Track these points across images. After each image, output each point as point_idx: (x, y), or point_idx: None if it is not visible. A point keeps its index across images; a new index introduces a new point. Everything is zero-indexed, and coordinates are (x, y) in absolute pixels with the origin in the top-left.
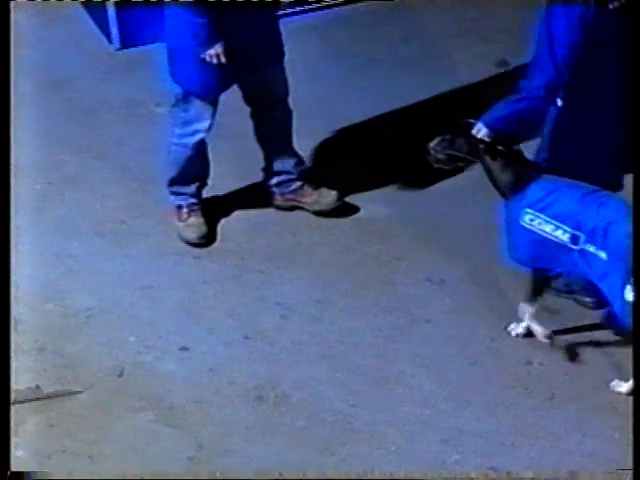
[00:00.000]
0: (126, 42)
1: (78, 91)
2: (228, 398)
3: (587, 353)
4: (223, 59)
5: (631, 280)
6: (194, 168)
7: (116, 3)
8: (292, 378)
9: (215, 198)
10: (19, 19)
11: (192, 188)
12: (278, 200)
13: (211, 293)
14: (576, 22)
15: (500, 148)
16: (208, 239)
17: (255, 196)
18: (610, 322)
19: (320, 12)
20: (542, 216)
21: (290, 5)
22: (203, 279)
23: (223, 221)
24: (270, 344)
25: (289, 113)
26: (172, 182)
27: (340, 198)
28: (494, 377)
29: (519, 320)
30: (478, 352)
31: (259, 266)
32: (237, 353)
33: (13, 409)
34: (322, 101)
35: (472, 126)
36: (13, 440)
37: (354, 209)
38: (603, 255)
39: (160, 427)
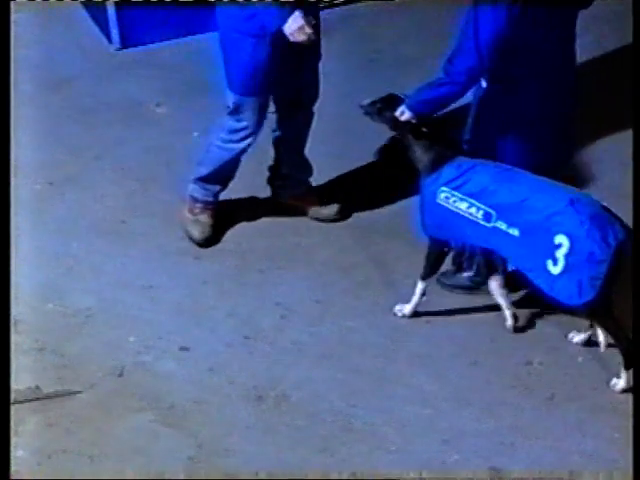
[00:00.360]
0: (126, 42)
1: (78, 91)
2: (228, 398)
3: (586, 353)
4: (309, 30)
5: (554, 253)
6: (226, 172)
7: (116, 3)
8: (292, 378)
9: (228, 202)
10: (19, 19)
11: (216, 188)
12: (281, 198)
13: (211, 293)
14: (503, 10)
15: (424, 130)
16: (210, 242)
17: (267, 206)
18: (542, 298)
19: (320, 12)
20: (457, 194)
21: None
22: (203, 279)
23: (223, 221)
24: (270, 344)
25: (311, 119)
26: (202, 178)
27: (341, 211)
28: (494, 377)
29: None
30: (478, 352)
31: (259, 266)
32: (237, 353)
33: (13, 409)
34: (322, 100)
35: (402, 102)
36: (13, 440)
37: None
38: (515, 232)
39: (160, 427)
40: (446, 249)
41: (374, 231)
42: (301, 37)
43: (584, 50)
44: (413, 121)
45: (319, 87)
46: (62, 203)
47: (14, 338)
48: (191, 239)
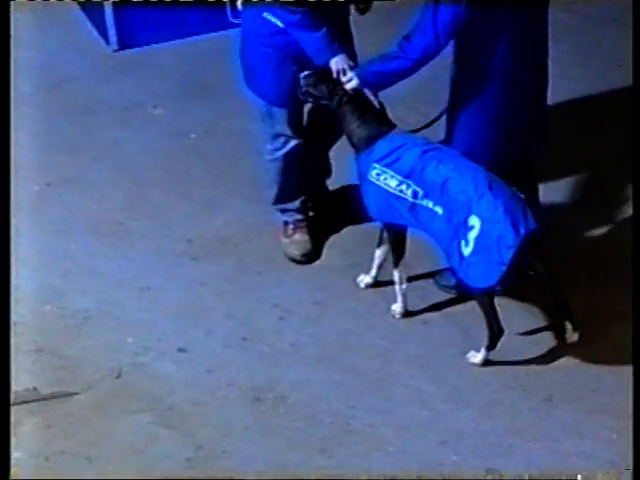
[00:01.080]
0: (124, 43)
1: (76, 92)
2: (226, 399)
3: (583, 355)
4: (349, 73)
5: (466, 235)
6: (291, 182)
7: (114, 3)
8: (290, 379)
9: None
10: (18, 20)
11: (296, 203)
12: None
13: (209, 294)
14: None
15: (361, 101)
16: (311, 257)
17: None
18: (453, 277)
19: None
20: (388, 171)
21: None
22: (201, 280)
23: (220, 221)
24: (268, 345)
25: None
26: (276, 200)
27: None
28: (492, 378)
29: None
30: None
31: (257, 267)
32: (235, 354)
33: (11, 410)
34: None
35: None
36: (11, 441)
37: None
38: (440, 210)
39: (158, 428)
40: (401, 230)
41: (371, 233)
42: (341, 76)
43: (583, 51)
44: (357, 89)
45: None
46: (60, 204)
47: (12, 339)
48: (292, 260)
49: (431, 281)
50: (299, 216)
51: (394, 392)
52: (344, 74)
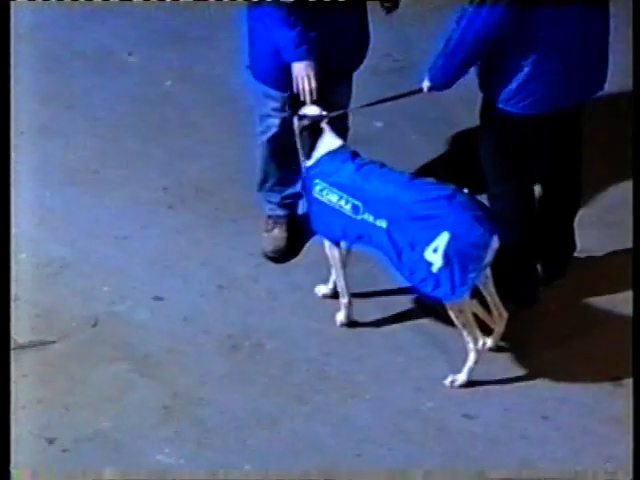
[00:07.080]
0: None
1: (49, 39)
2: (202, 347)
3: None
4: (313, 83)
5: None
6: (273, 170)
7: None
8: (266, 327)
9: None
10: None
11: (277, 197)
12: None
13: (185, 242)
14: None
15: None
16: (284, 255)
17: None
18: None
19: None
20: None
21: None
22: (177, 229)
23: (196, 169)
24: (244, 293)
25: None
26: (259, 187)
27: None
28: None
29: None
30: None
31: (232, 215)
32: (211, 302)
33: None
34: None
35: None
36: None
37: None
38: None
39: (135, 376)
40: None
41: None
42: (302, 84)
43: None
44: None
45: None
46: (34, 153)
47: None
48: (265, 256)
49: None
50: (280, 212)
51: (370, 339)
52: (308, 83)
